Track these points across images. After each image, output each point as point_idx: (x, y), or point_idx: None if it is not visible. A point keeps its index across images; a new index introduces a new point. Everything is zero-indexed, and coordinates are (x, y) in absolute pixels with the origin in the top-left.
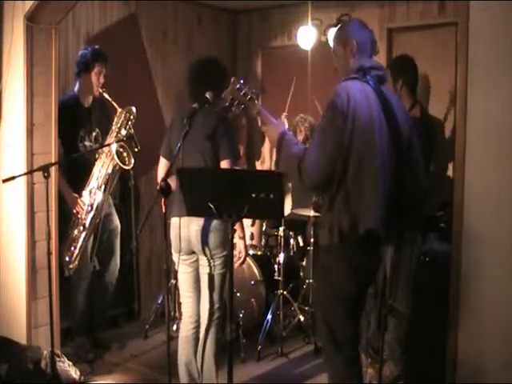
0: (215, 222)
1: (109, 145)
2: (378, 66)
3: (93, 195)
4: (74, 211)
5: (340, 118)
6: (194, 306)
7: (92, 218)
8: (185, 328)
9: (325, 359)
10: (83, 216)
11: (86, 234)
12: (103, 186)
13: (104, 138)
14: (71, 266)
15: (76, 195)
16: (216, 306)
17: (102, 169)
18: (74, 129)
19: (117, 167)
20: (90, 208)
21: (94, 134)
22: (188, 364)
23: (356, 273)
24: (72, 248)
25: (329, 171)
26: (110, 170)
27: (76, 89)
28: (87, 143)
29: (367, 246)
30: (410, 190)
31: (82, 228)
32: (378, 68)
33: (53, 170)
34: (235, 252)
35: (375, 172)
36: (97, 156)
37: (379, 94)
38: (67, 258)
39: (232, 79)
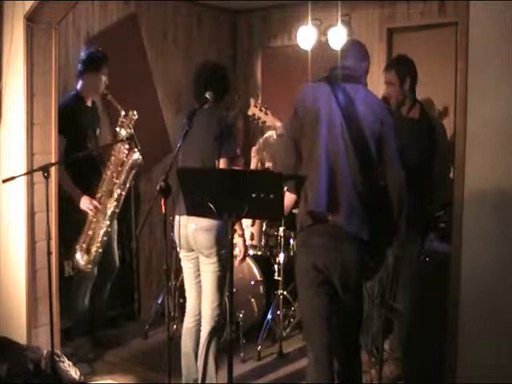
0: (210, 222)
1: (108, 145)
2: (345, 66)
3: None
4: (89, 210)
5: (292, 115)
6: (195, 301)
7: (112, 213)
8: (187, 320)
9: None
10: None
11: (104, 231)
12: (122, 182)
13: (102, 137)
14: (90, 266)
15: (84, 195)
16: (214, 304)
17: (114, 166)
18: (82, 128)
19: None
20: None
21: (96, 133)
22: (186, 355)
23: (311, 255)
24: (90, 247)
25: (293, 166)
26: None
27: (79, 88)
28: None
29: (322, 233)
30: (388, 183)
31: (102, 225)
32: (347, 68)
33: (53, 170)
34: (235, 251)
35: (320, 160)
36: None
37: (337, 88)
38: (84, 258)
39: (250, 99)
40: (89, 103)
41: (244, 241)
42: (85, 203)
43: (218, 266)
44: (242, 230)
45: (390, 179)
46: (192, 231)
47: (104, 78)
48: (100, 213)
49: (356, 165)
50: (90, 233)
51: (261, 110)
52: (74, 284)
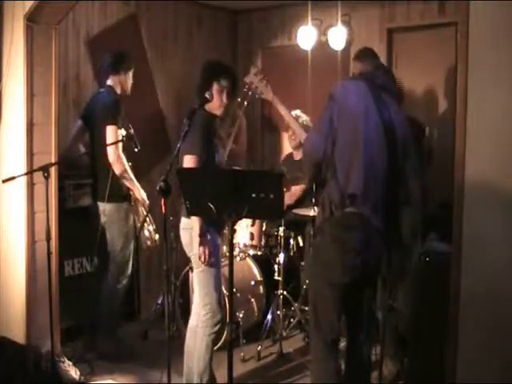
0: (185, 221)
1: (107, 145)
2: (379, 75)
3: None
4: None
5: (331, 103)
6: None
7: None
8: (190, 318)
9: (310, 339)
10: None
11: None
12: None
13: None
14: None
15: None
16: (202, 303)
17: None
18: (122, 121)
19: None
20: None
21: (130, 131)
22: (186, 354)
23: (343, 253)
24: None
25: (324, 150)
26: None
27: (112, 84)
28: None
29: (354, 226)
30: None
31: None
32: (379, 76)
33: (53, 170)
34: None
35: (360, 150)
36: None
37: (374, 91)
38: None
39: (251, 67)
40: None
41: (201, 241)
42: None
43: (197, 266)
44: (200, 229)
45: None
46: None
47: (131, 79)
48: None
49: (388, 163)
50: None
51: (261, 81)
52: (111, 282)
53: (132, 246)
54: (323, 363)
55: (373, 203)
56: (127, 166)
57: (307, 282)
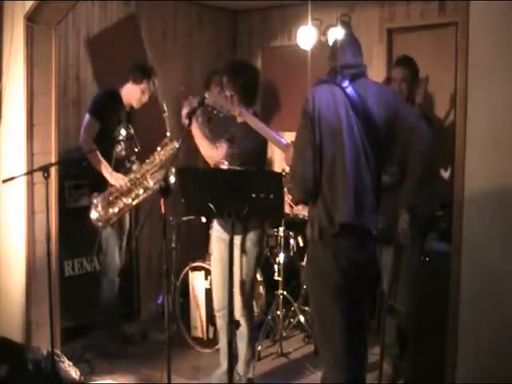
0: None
1: (108, 144)
2: (350, 64)
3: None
4: (119, 185)
5: (308, 122)
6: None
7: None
8: None
9: (319, 351)
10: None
11: (122, 207)
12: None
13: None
14: (101, 224)
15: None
16: None
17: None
18: (113, 120)
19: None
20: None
21: (130, 131)
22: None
23: (338, 262)
24: (108, 208)
25: (313, 175)
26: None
27: (122, 92)
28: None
29: (347, 237)
30: (415, 143)
31: (125, 200)
32: (351, 66)
33: (53, 170)
34: None
35: (346, 169)
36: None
37: (348, 92)
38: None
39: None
40: (127, 107)
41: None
42: (117, 179)
43: None
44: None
45: (418, 137)
46: None
47: (143, 93)
48: (127, 192)
49: (374, 166)
50: (111, 198)
51: (225, 99)
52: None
53: (115, 242)
54: (335, 374)
55: (365, 211)
56: (99, 155)
57: (307, 290)
